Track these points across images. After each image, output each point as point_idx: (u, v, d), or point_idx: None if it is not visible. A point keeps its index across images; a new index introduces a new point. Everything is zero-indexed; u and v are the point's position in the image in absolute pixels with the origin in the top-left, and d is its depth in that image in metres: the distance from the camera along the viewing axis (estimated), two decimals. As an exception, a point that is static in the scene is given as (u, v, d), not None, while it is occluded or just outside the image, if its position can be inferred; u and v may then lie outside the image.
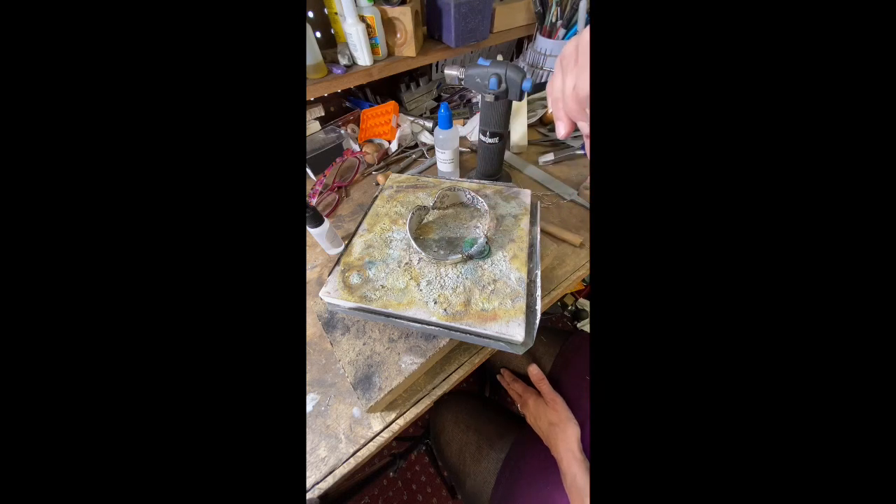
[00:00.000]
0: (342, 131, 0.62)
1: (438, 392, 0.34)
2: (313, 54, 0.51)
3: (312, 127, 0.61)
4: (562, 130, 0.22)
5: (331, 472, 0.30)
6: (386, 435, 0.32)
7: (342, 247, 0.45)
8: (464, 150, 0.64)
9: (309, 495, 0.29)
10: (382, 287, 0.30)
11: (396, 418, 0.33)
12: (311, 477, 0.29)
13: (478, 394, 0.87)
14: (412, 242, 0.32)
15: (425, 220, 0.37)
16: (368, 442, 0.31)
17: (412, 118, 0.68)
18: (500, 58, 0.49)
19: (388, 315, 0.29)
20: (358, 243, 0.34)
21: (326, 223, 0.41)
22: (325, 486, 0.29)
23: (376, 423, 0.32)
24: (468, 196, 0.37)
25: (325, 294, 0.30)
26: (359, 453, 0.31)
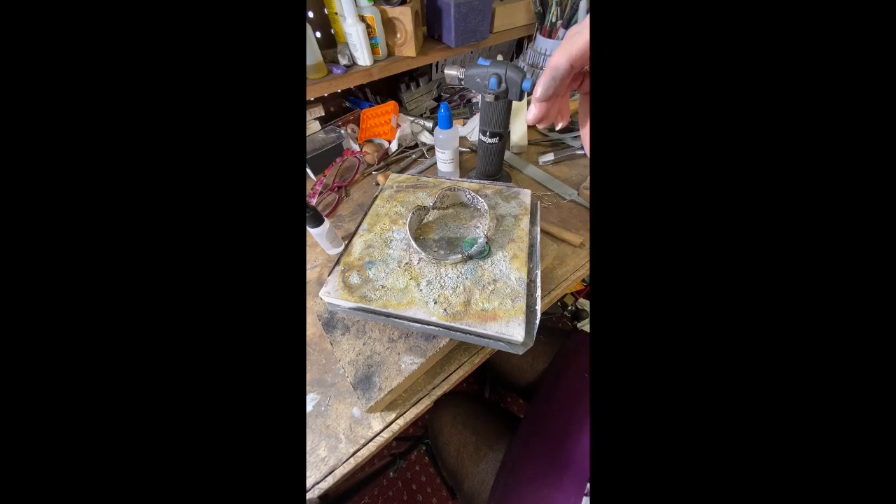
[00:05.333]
0: (342, 131, 0.62)
1: (438, 392, 0.34)
2: (313, 54, 0.51)
3: (312, 127, 0.61)
4: (533, 113, 0.19)
5: (331, 472, 0.30)
6: (386, 435, 0.32)
7: (342, 247, 0.45)
8: (464, 150, 0.64)
9: (309, 495, 0.29)
10: (382, 287, 0.30)
11: (396, 418, 0.33)
12: (311, 477, 0.29)
13: (477, 395, 0.87)
14: (412, 242, 0.32)
15: (425, 220, 0.37)
16: (368, 442, 0.31)
17: (412, 118, 0.68)
18: (500, 58, 0.49)
19: (388, 315, 0.29)
20: (358, 243, 0.34)
21: (326, 223, 0.41)
22: (325, 485, 0.29)
23: (376, 423, 0.32)
24: (468, 196, 0.37)
25: (325, 294, 0.30)
26: (359, 453, 0.31)
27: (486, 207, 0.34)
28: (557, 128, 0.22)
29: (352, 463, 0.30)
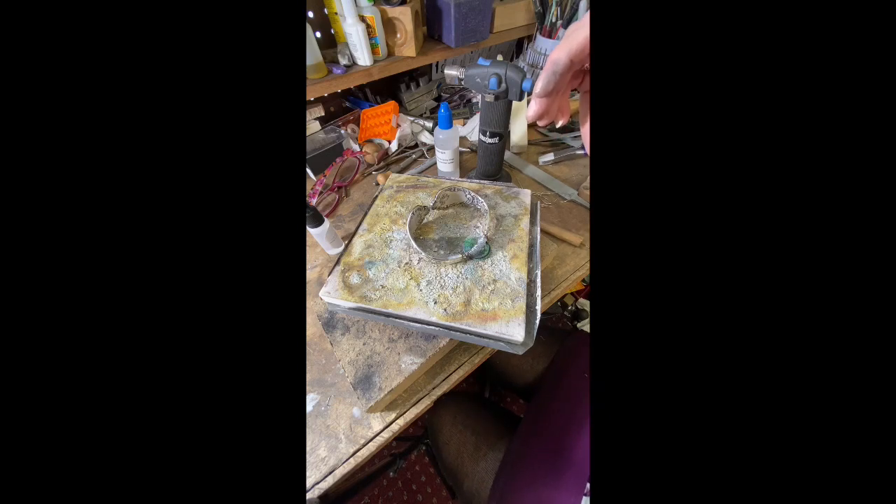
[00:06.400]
0: (342, 131, 0.62)
1: (438, 392, 0.34)
2: (313, 54, 0.51)
3: (312, 127, 0.61)
4: (533, 109, 0.20)
5: (331, 472, 0.30)
6: (386, 435, 0.32)
7: (342, 247, 0.45)
8: (464, 150, 0.64)
9: (309, 495, 0.29)
10: (382, 287, 0.31)
11: (396, 418, 0.33)
12: (311, 477, 0.29)
13: (477, 395, 0.87)
14: (412, 242, 0.32)
15: (425, 220, 0.37)
16: (368, 442, 0.31)
17: (412, 118, 0.68)
18: (500, 58, 0.49)
19: (388, 315, 0.29)
20: (358, 243, 0.34)
21: (326, 223, 0.41)
22: (325, 485, 0.29)
23: (376, 422, 0.32)
24: (468, 196, 0.37)
25: (325, 294, 0.30)
26: (359, 453, 0.31)
27: (486, 207, 0.34)
28: (558, 125, 0.22)
29: (352, 463, 0.30)
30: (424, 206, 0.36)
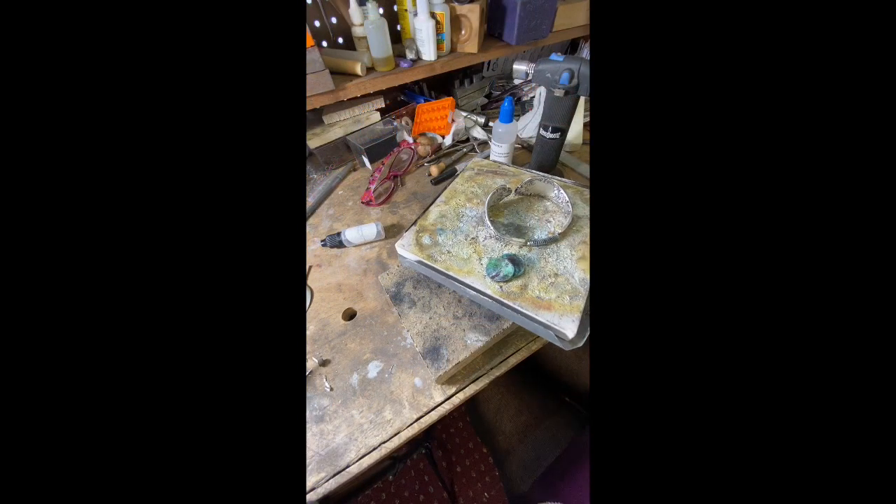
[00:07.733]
0: (396, 123, 0.65)
1: (496, 372, 0.35)
2: (385, 48, 0.54)
3: (373, 118, 0.65)
4: None
5: (396, 434, 0.32)
6: (447, 406, 0.33)
7: (383, 236, 0.48)
8: (515, 146, 0.65)
9: (379, 454, 0.31)
10: (448, 252, 0.33)
11: (457, 392, 0.34)
12: (378, 437, 0.31)
13: (524, 368, 0.86)
14: (486, 215, 0.34)
15: (503, 200, 0.39)
16: (431, 411, 0.33)
17: (465, 113, 0.70)
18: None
19: (448, 276, 0.32)
20: (434, 211, 0.37)
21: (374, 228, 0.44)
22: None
23: (437, 394, 0.34)
24: (556, 190, 0.38)
25: (401, 247, 0.34)
26: (422, 420, 0.32)
27: (570, 209, 0.35)
28: None
29: (415, 428, 0.32)
30: (507, 188, 0.38)
